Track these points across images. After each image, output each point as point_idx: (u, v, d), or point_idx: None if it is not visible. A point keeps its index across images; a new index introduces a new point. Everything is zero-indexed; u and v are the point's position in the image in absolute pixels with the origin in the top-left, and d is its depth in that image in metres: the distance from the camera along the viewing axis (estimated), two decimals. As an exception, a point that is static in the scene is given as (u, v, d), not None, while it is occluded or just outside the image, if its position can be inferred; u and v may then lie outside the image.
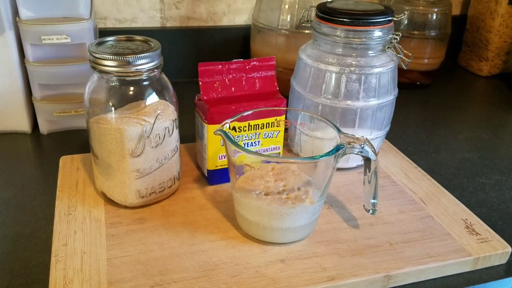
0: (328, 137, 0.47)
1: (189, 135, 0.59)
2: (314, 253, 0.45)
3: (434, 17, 0.86)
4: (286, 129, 0.54)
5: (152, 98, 0.47)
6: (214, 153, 0.53)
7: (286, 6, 0.76)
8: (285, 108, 0.53)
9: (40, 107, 0.66)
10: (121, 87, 0.46)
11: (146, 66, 0.45)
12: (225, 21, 0.90)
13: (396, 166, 0.61)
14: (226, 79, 0.52)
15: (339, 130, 0.45)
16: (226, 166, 0.54)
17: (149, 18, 0.86)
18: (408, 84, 0.90)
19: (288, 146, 0.56)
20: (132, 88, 0.47)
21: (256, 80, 0.54)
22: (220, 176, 0.54)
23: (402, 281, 0.44)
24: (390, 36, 0.54)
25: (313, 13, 0.58)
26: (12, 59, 0.62)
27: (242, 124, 0.50)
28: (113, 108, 0.46)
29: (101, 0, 0.81)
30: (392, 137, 0.67)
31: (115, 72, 0.45)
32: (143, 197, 0.49)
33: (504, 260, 0.47)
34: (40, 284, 0.42)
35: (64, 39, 0.62)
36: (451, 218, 0.51)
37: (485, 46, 0.96)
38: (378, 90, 0.54)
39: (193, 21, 0.88)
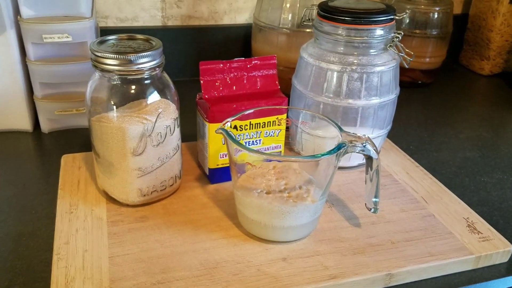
0: (329, 135, 0.47)
1: (190, 134, 0.59)
2: (315, 251, 0.45)
3: (436, 16, 0.86)
4: (287, 128, 0.54)
5: (154, 97, 0.47)
6: (215, 151, 0.53)
7: (288, 5, 0.76)
8: (286, 107, 0.53)
9: (42, 105, 0.66)
10: (123, 85, 0.46)
11: (147, 65, 0.45)
12: (226, 20, 0.90)
13: (398, 165, 0.61)
14: (228, 78, 0.52)
15: (340, 129, 0.45)
16: (227, 165, 0.54)
17: (150, 17, 0.86)
18: (410, 83, 0.89)
19: (289, 145, 0.56)
20: (133, 87, 0.47)
21: (258, 79, 0.54)
22: (221, 174, 0.54)
23: (404, 280, 0.44)
24: (392, 34, 0.54)
25: (314, 11, 0.58)
26: (13, 58, 0.62)
27: (243, 122, 0.50)
28: (114, 107, 0.46)
29: (102, -1, 0.82)
30: (393, 136, 0.67)
31: (116, 70, 0.45)
32: (144, 195, 0.50)
33: (505, 259, 0.47)
34: (42, 283, 0.42)
35: (65, 38, 0.62)
36: (452, 217, 0.51)
37: (486, 45, 0.96)
38: (380, 89, 0.54)
39: (194, 20, 0.88)
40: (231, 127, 0.46)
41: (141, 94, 0.47)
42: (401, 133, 0.72)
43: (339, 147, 0.42)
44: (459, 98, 0.88)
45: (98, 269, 0.42)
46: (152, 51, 0.45)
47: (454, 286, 0.45)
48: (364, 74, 0.53)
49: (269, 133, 0.53)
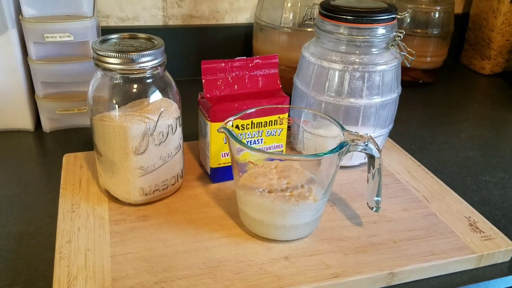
0: (331, 135, 0.47)
1: (191, 133, 0.59)
2: (317, 250, 0.45)
3: (437, 15, 0.86)
4: (289, 127, 0.54)
5: (156, 96, 0.47)
6: (217, 151, 0.53)
7: (289, 4, 0.76)
8: (288, 106, 0.53)
9: (43, 105, 0.66)
10: (125, 84, 0.46)
11: (149, 64, 0.45)
12: (227, 20, 0.90)
13: (400, 164, 0.61)
14: (229, 77, 0.52)
15: (342, 128, 0.45)
16: (229, 164, 0.54)
17: (151, 17, 0.86)
18: (411, 83, 0.89)
19: (290, 144, 0.56)
20: (135, 86, 0.47)
21: (259, 78, 0.54)
22: (223, 174, 0.54)
23: (406, 279, 0.44)
24: (394, 33, 0.54)
25: (316, 11, 0.58)
26: (15, 57, 0.62)
27: (245, 122, 0.50)
28: (116, 106, 0.46)
29: (103, -1, 0.82)
30: (395, 135, 0.67)
31: (118, 69, 0.45)
32: (146, 194, 0.50)
33: (507, 258, 0.47)
34: (44, 282, 0.42)
35: (67, 37, 0.62)
36: (454, 216, 0.51)
37: (487, 44, 0.96)
38: (382, 88, 0.54)
39: (195, 19, 0.88)
40: (233, 126, 0.46)
41: (143, 93, 0.47)
42: (402, 133, 0.72)
43: (341, 146, 0.42)
44: (460, 98, 0.88)
45: (100, 268, 0.42)
46: (154, 50, 0.45)
47: (456, 285, 0.45)
48: (366, 73, 0.53)
49: (271, 132, 0.53)
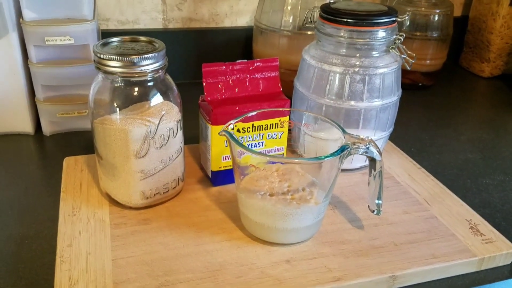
0: (332, 138, 0.47)
1: (192, 136, 0.59)
2: (319, 253, 0.45)
3: (436, 18, 0.86)
4: (289, 130, 0.54)
5: (157, 99, 0.47)
6: (218, 154, 0.53)
7: (289, 8, 0.76)
8: (289, 109, 0.53)
9: (43, 108, 0.66)
10: (126, 88, 0.46)
11: (151, 67, 0.45)
12: (227, 23, 0.90)
13: (400, 167, 0.61)
14: (230, 80, 0.52)
15: (343, 131, 0.45)
16: (230, 167, 0.54)
17: (151, 20, 0.86)
18: (410, 85, 0.90)
19: (291, 147, 0.56)
20: (136, 89, 0.47)
21: (260, 81, 0.54)
22: (223, 177, 0.54)
23: (408, 282, 0.44)
24: (394, 36, 0.54)
25: (316, 14, 0.59)
26: (15, 60, 0.62)
27: (246, 125, 0.50)
28: (117, 109, 0.46)
29: (103, 2, 0.82)
30: (395, 138, 0.67)
31: (120, 72, 0.45)
32: (147, 198, 0.49)
33: (508, 261, 0.47)
34: (45, 285, 0.42)
35: (67, 40, 0.62)
36: (455, 219, 0.51)
37: (486, 47, 0.96)
38: (382, 91, 0.54)
39: (195, 22, 0.88)
40: (234, 129, 0.46)
41: (144, 96, 0.47)
42: (402, 135, 0.72)
43: (342, 149, 0.42)
44: (459, 100, 0.88)
45: (101, 272, 0.42)
46: (155, 53, 0.45)
47: (458, 288, 0.45)
48: (367, 76, 0.53)
49: (272, 135, 0.53)
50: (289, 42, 0.77)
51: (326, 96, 0.55)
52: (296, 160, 0.53)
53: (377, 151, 0.44)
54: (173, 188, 0.51)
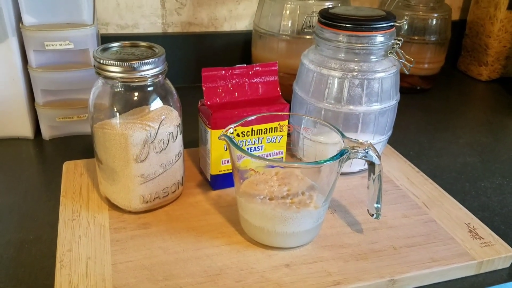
0: (331, 141, 0.47)
1: (191, 140, 0.59)
2: (318, 257, 0.45)
3: (434, 22, 0.86)
4: (289, 134, 0.54)
5: (157, 104, 0.48)
6: (218, 158, 0.53)
7: (287, 12, 0.76)
8: (288, 113, 0.53)
9: (43, 112, 0.66)
10: (126, 92, 0.47)
11: (150, 72, 0.46)
12: (226, 27, 0.91)
13: (399, 170, 0.61)
14: (229, 85, 0.53)
15: (343, 135, 0.45)
16: (229, 171, 0.54)
17: (151, 24, 0.86)
18: (409, 89, 0.90)
19: (290, 151, 0.56)
20: (136, 94, 0.47)
21: (259, 85, 0.54)
22: (223, 181, 0.54)
23: (407, 285, 0.44)
24: (392, 41, 0.54)
25: (315, 18, 0.59)
26: (15, 65, 0.62)
27: (245, 129, 0.51)
28: (117, 114, 0.46)
29: (103, 6, 0.82)
30: (393, 141, 0.67)
31: (120, 77, 0.45)
32: (147, 202, 0.50)
33: (507, 264, 0.48)
34: (45, 290, 0.42)
35: (67, 45, 0.62)
36: (454, 222, 0.51)
37: (484, 51, 0.97)
38: (381, 95, 0.55)
39: (194, 26, 0.89)
40: (233, 133, 0.46)
41: (144, 101, 0.47)
42: (401, 139, 0.72)
43: (341, 153, 0.43)
44: (457, 104, 0.88)
45: (101, 276, 0.42)
46: (155, 58, 0.46)
47: (457, 292, 0.45)
48: (365, 81, 0.54)
49: (271, 139, 0.53)
50: (288, 46, 0.77)
51: (325, 100, 0.55)
52: (296, 165, 0.53)
53: (376, 155, 0.44)
54: (173, 192, 0.51)
